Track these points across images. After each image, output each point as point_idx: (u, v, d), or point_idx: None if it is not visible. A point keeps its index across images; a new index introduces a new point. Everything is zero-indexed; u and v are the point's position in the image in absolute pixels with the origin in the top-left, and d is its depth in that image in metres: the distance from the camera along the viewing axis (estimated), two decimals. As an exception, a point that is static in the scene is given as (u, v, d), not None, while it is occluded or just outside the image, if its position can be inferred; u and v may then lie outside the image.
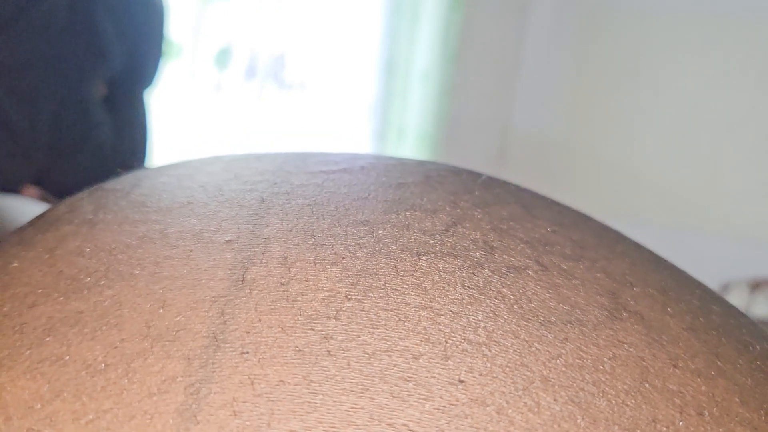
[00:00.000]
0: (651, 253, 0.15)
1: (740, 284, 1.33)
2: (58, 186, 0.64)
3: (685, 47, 1.49)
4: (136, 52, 0.72)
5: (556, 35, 1.62)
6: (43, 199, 0.61)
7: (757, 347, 0.12)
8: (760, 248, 1.41)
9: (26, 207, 0.55)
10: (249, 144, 1.31)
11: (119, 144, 0.71)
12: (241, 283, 0.11)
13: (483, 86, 1.70)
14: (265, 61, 1.32)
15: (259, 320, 0.10)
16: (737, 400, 0.11)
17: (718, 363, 0.11)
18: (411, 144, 1.48)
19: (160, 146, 0.97)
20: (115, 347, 0.10)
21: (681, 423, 0.10)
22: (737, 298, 1.33)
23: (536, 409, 0.10)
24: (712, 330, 0.12)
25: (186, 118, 1.23)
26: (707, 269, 1.50)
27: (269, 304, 0.11)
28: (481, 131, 1.71)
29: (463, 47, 1.53)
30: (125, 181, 0.14)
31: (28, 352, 0.10)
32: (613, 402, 0.10)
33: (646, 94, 1.55)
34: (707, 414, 0.10)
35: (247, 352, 0.10)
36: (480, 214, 0.13)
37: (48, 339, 0.10)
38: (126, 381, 0.10)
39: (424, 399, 0.10)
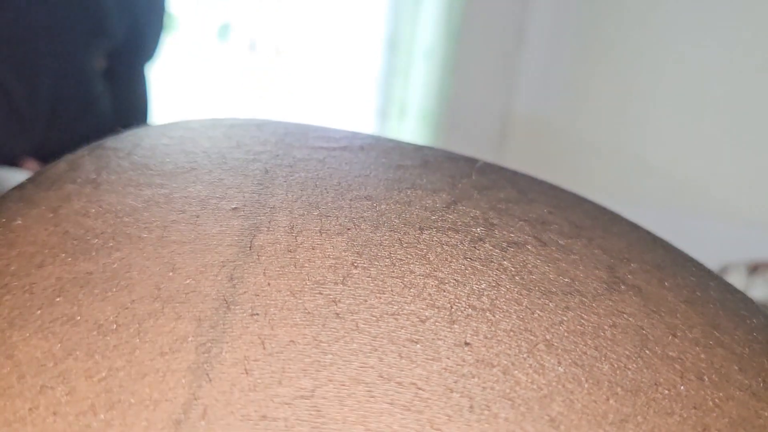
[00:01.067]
0: (648, 233, 0.15)
1: (738, 267, 1.34)
2: (58, 158, 0.64)
3: (687, 31, 1.48)
4: (137, 25, 0.72)
5: (560, 15, 1.61)
6: (43, 171, 0.61)
7: (754, 320, 0.13)
8: (759, 231, 1.41)
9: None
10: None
11: (119, 117, 0.71)
12: (249, 249, 0.11)
13: (486, 65, 1.69)
14: (266, 37, 1.31)
15: (268, 284, 0.11)
16: (736, 367, 0.11)
17: (716, 333, 0.11)
18: (412, 122, 1.48)
19: (161, 119, 0.97)
20: (126, 308, 0.10)
21: (682, 387, 0.10)
22: (735, 281, 1.33)
23: (541, 371, 0.10)
24: (709, 303, 0.12)
25: (186, 91, 1.23)
26: (705, 251, 1.50)
27: (277, 269, 0.11)
28: (483, 110, 1.71)
29: (466, 26, 1.52)
30: (125, 140, 0.15)
31: (39, 312, 0.10)
32: (615, 366, 0.10)
33: (648, 76, 1.54)
34: (707, 379, 0.10)
35: (257, 314, 0.10)
36: (478, 195, 0.13)
37: (58, 299, 0.11)
38: (138, 340, 0.10)
39: (431, 359, 0.10)
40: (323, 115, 1.40)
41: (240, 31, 1.27)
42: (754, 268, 1.32)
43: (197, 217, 0.12)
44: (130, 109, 0.73)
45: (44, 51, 0.63)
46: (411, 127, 1.48)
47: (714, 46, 1.46)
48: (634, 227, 0.15)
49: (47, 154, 0.64)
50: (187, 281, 0.11)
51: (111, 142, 0.15)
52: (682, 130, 1.51)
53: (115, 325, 0.10)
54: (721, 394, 0.10)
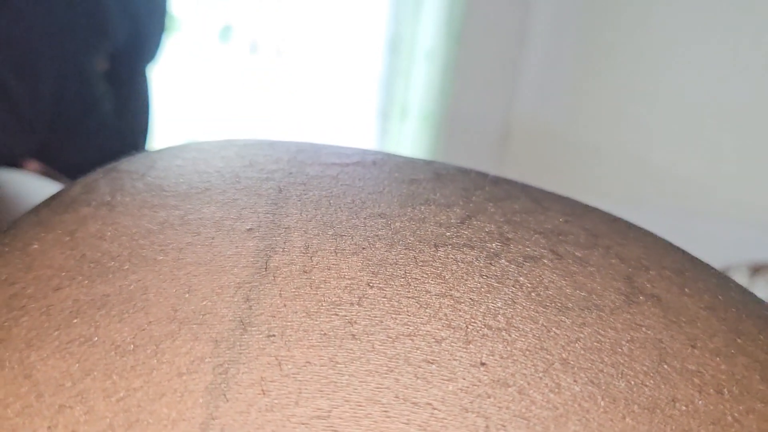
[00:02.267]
0: (661, 239, 0.15)
1: (740, 268, 1.33)
2: (60, 160, 0.64)
3: (688, 33, 1.47)
4: (139, 27, 0.72)
5: (562, 16, 1.61)
6: (45, 173, 0.61)
7: None
8: (761, 232, 1.41)
9: (28, 182, 0.55)
10: (252, 120, 1.31)
11: (121, 119, 0.71)
12: (264, 270, 0.11)
13: (487, 66, 1.69)
14: (267, 39, 1.31)
15: (284, 305, 0.11)
16: (758, 377, 0.11)
17: (738, 340, 0.11)
18: (414, 123, 1.48)
19: (163, 121, 0.97)
20: (143, 329, 0.10)
21: (700, 402, 0.10)
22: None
23: (557, 390, 0.10)
24: (731, 307, 0.12)
25: (188, 92, 1.23)
26: (707, 252, 1.49)
27: (293, 290, 0.11)
28: (484, 112, 1.71)
29: (467, 27, 1.52)
30: (139, 162, 0.15)
31: (57, 332, 0.11)
32: (632, 383, 0.10)
33: (649, 77, 1.54)
34: (727, 392, 0.10)
35: (274, 335, 0.10)
36: (493, 208, 0.13)
37: (76, 321, 0.11)
38: (155, 361, 0.10)
39: (447, 380, 0.10)
40: (324, 116, 1.40)
41: (241, 32, 1.27)
42: (756, 270, 1.32)
43: (212, 238, 0.12)
44: (132, 110, 0.73)
45: (45, 52, 0.63)
46: (412, 129, 1.48)
47: (715, 48, 1.46)
48: (648, 233, 0.15)
49: (49, 155, 0.64)
50: (204, 303, 0.11)
51: (125, 164, 0.15)
52: (684, 131, 1.51)
53: (132, 346, 0.10)
54: (741, 407, 0.10)
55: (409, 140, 1.49)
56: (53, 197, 0.14)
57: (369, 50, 1.42)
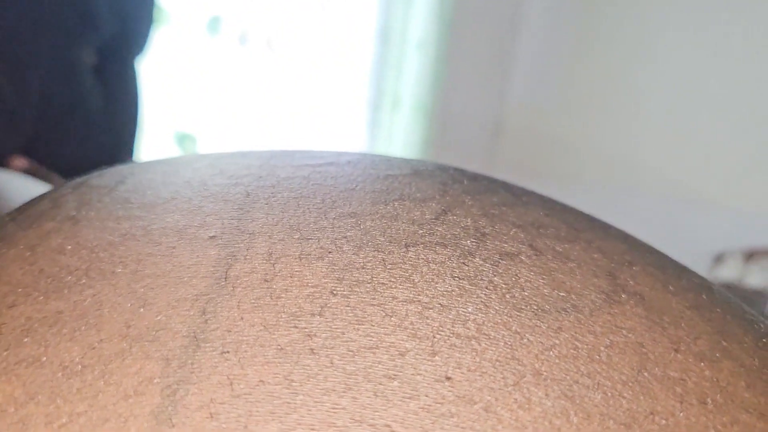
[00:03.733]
0: (640, 240, 0.14)
1: (734, 254, 1.34)
2: (48, 156, 0.63)
3: (681, 21, 1.47)
4: (127, 19, 0.71)
5: (554, 5, 1.61)
6: (32, 169, 0.61)
7: (762, 324, 0.12)
8: (755, 218, 1.41)
9: (10, 182, 0.55)
10: (242, 113, 1.30)
11: (110, 113, 0.70)
12: (224, 280, 0.11)
13: (479, 56, 1.69)
14: (257, 30, 1.30)
15: (242, 318, 0.10)
16: (743, 383, 0.10)
17: (723, 343, 0.11)
18: (406, 114, 1.47)
19: (152, 115, 0.96)
20: (93, 348, 0.10)
21: (681, 414, 0.09)
22: (731, 269, 1.33)
23: (527, 406, 0.09)
24: (716, 307, 0.11)
25: (177, 85, 1.22)
26: (701, 239, 1.51)
27: (252, 301, 0.10)
28: (477, 101, 1.70)
29: (459, 17, 1.51)
30: (110, 176, 0.14)
31: (6, 353, 0.10)
32: (609, 394, 0.09)
33: (642, 66, 1.54)
34: (710, 402, 0.10)
35: (228, 352, 0.10)
36: (471, 201, 0.13)
37: (26, 340, 0.10)
38: (102, 383, 0.09)
39: (408, 397, 0.09)
40: (315, 107, 1.39)
41: (230, 24, 1.26)
42: (750, 256, 1.32)
43: (174, 248, 0.11)
44: (120, 105, 0.72)
45: (31, 46, 0.63)
46: (404, 120, 1.48)
47: (708, 36, 1.45)
48: (627, 234, 0.14)
49: (36, 151, 0.63)
50: (158, 317, 0.10)
51: (95, 179, 0.14)
52: (676, 120, 1.51)
53: (80, 367, 0.10)
54: (724, 418, 0.10)
55: (401, 131, 1.48)
56: (20, 210, 0.14)
57: (359, 41, 1.41)
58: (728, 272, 1.32)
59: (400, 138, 1.48)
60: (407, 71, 1.46)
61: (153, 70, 0.99)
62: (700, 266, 1.41)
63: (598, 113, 1.62)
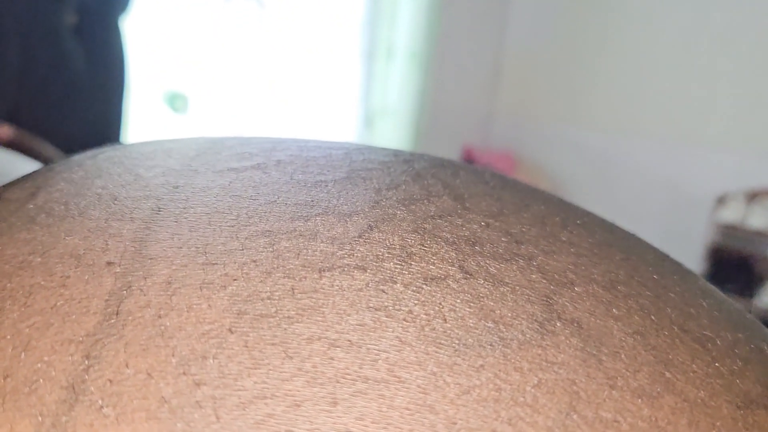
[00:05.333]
0: (607, 232, 0.13)
1: (737, 195, 1.33)
2: (32, 122, 0.61)
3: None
4: (106, -24, 0.69)
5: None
6: (17, 137, 0.59)
7: (718, 342, 0.10)
8: (757, 160, 1.39)
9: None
10: (231, 71, 1.27)
11: (94, 73, 0.68)
12: (114, 316, 0.09)
13: (475, 1, 1.65)
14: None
15: (127, 364, 0.09)
16: (685, 422, 0.09)
17: (667, 374, 0.09)
18: (401, 63, 1.44)
19: (141, 74, 0.94)
20: None
21: None
22: (734, 210, 1.32)
23: None
24: (664, 329, 0.10)
25: (165, 44, 1.19)
26: (704, 181, 1.50)
27: (142, 342, 0.09)
28: (474, 46, 1.67)
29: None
30: (26, 187, 0.13)
31: None
32: None
33: (642, 8, 1.51)
34: None
35: (106, 407, 0.08)
36: (404, 213, 0.11)
37: None
38: None
39: None
40: (308, 60, 1.36)
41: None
42: (753, 197, 1.31)
43: (68, 277, 0.10)
44: (104, 66, 0.70)
45: (10, 9, 0.61)
46: (399, 69, 1.45)
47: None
48: (590, 228, 0.12)
49: (20, 117, 0.61)
50: (38, 365, 0.09)
51: (9, 190, 0.13)
52: (677, 59, 1.48)
53: None
54: None
55: (396, 81, 1.45)
56: None
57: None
58: (730, 214, 1.31)
59: (396, 88, 1.46)
60: (401, 19, 1.43)
61: (139, 29, 0.96)
62: (702, 209, 1.40)
63: (598, 57, 1.59)
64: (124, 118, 0.73)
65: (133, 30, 0.82)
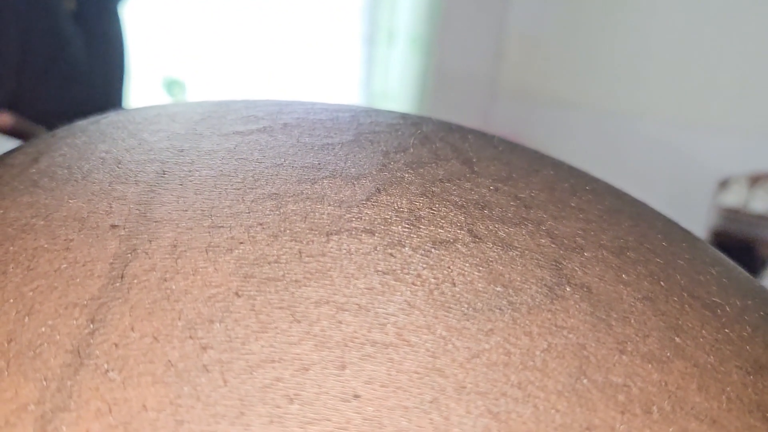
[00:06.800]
0: (616, 198, 0.13)
1: (739, 179, 1.32)
2: (32, 109, 0.61)
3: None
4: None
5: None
6: (17, 124, 0.59)
7: (727, 308, 0.10)
8: (760, 142, 1.39)
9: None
10: (233, 51, 1.27)
11: (94, 59, 0.68)
12: (119, 280, 0.09)
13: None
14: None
15: (132, 328, 0.09)
16: (694, 386, 0.09)
17: (677, 339, 0.09)
18: (402, 47, 1.43)
19: (140, 60, 0.94)
20: None
21: (621, 427, 0.08)
22: (736, 194, 1.32)
23: (444, 427, 0.08)
24: (674, 295, 0.10)
25: (163, 29, 1.18)
26: (706, 164, 1.50)
27: (147, 306, 0.09)
28: (476, 30, 1.66)
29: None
30: (28, 152, 0.12)
31: None
32: (541, 408, 0.08)
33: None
34: (656, 410, 0.08)
35: (112, 370, 0.08)
36: (411, 176, 0.11)
37: None
38: None
39: (307, 423, 0.08)
40: (309, 44, 1.35)
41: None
42: (756, 180, 1.31)
43: (71, 240, 0.10)
44: (104, 52, 0.70)
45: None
46: (401, 52, 1.44)
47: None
48: (599, 193, 0.12)
49: (20, 105, 0.61)
50: (42, 329, 0.09)
51: (11, 156, 0.13)
52: (680, 41, 1.47)
53: None
54: (670, 429, 0.08)
55: (398, 66, 1.45)
56: None
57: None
58: (733, 197, 1.31)
59: (397, 72, 1.45)
60: (401, 3, 1.42)
61: (138, 15, 0.96)
62: (705, 192, 1.40)
63: (599, 41, 1.58)
64: (123, 104, 0.73)
65: (132, 16, 0.81)
